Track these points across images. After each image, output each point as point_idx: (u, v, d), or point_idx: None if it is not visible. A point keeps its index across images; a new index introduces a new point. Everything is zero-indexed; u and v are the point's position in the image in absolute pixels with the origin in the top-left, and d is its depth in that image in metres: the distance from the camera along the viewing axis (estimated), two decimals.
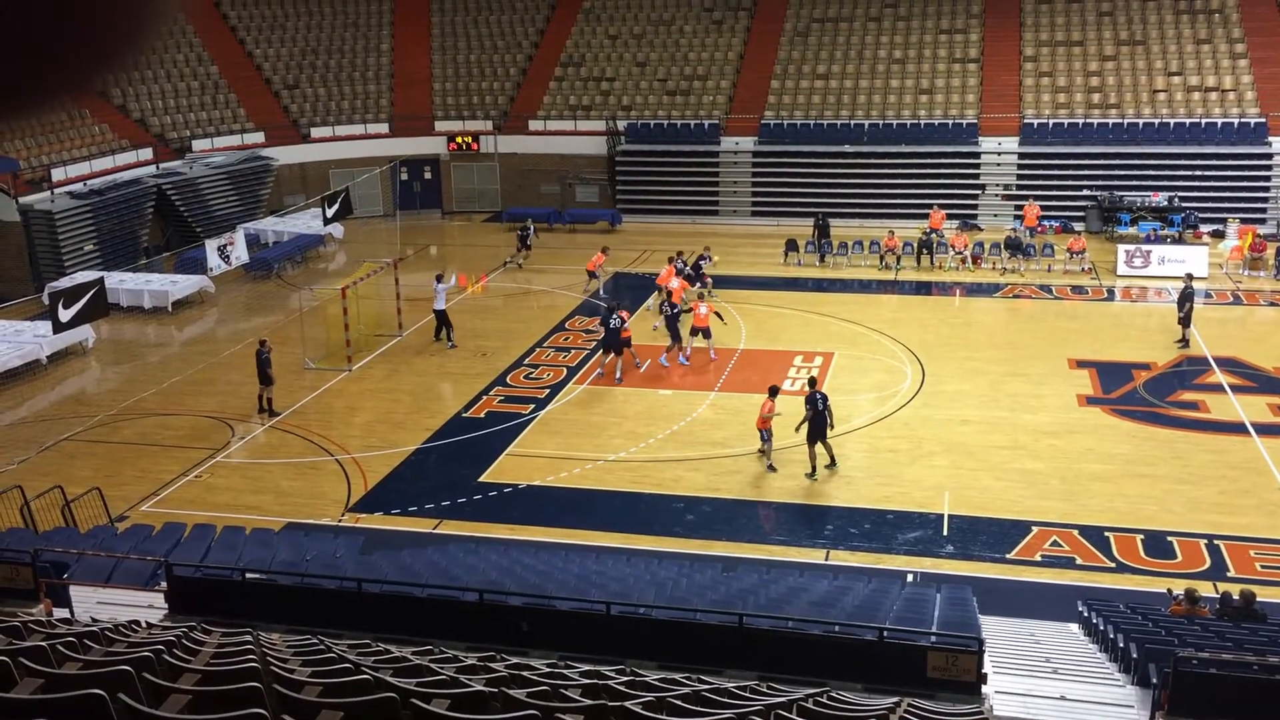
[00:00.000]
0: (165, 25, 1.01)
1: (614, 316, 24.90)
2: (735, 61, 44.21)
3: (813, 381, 21.13)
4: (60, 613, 11.32)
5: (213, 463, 21.38)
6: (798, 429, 19.87)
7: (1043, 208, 37.51)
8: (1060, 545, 17.48)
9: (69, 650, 6.93)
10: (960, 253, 33.98)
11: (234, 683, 6.04)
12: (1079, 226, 37.08)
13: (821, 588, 14.90)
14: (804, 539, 18.12)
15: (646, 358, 26.11)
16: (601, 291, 31.81)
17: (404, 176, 43.11)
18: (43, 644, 6.77)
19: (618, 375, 24.87)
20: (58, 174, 35.16)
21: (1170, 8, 42.06)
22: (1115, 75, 40.61)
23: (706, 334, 25.88)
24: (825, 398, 19.87)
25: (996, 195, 39.64)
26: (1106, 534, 17.74)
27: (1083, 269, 33.17)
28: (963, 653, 10.05)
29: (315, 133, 43.41)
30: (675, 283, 27.72)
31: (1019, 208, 38.20)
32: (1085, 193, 38.10)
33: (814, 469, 19.92)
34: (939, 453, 20.87)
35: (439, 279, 27.49)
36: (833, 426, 19.96)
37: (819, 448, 19.90)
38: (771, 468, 20.26)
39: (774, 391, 20.51)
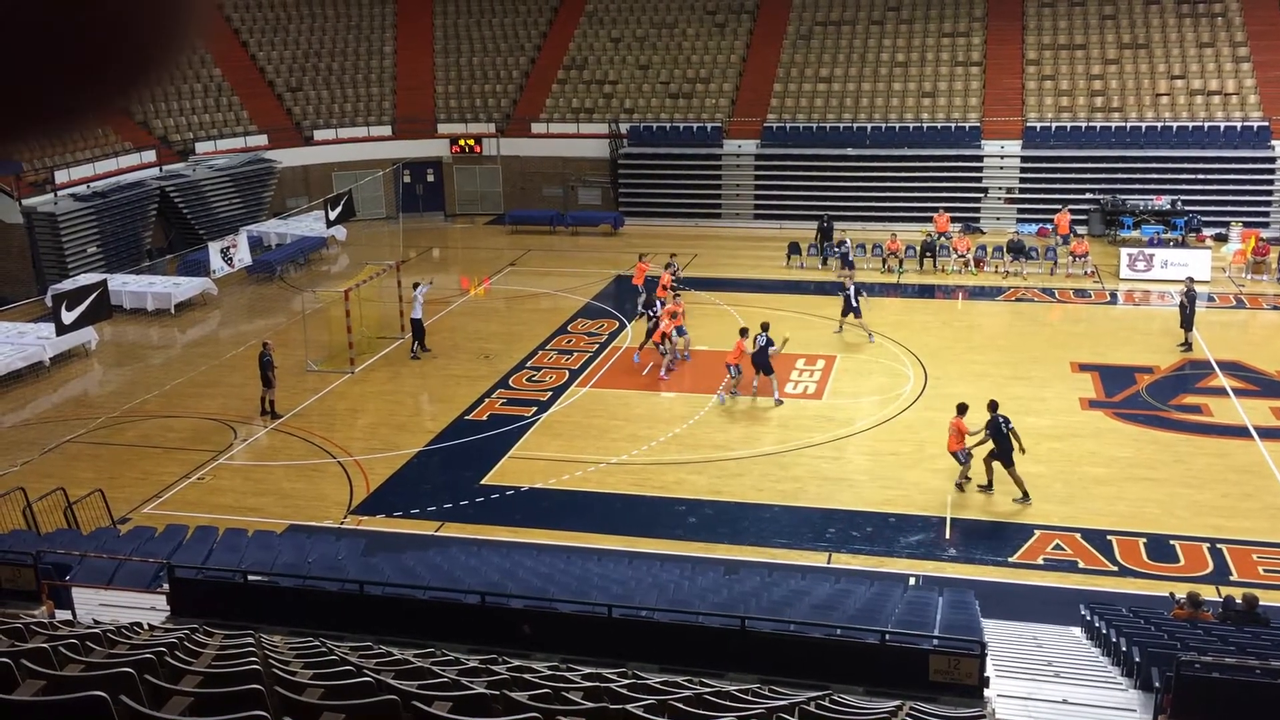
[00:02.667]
0: (193, 44, 1.00)
1: (762, 334, 23.54)
2: (738, 64, 44.22)
3: (994, 405, 19.15)
4: (62, 614, 11.33)
5: (215, 465, 21.39)
6: (979, 443, 19.05)
7: (1045, 211, 37.50)
8: (1063, 549, 17.46)
9: (71, 652, 6.93)
10: (963, 256, 33.97)
11: (236, 685, 6.04)
12: (1082, 230, 37.03)
13: (824, 591, 14.89)
14: (806, 542, 18.11)
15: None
16: (642, 306, 29.18)
17: (407, 179, 43.09)
18: (45, 646, 6.77)
19: (776, 395, 23.46)
20: (61, 176, 35.20)
21: (1173, 11, 42.03)
22: (1118, 78, 40.58)
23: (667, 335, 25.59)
24: (1008, 420, 18.83)
25: (999, 199, 39.63)
26: (1109, 537, 17.72)
27: (1085, 272, 33.14)
28: (965, 656, 10.04)
29: (318, 135, 43.45)
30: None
31: (1021, 214, 38.18)
32: (1088, 196, 38.07)
33: (1024, 492, 18.79)
34: (941, 456, 20.83)
35: (416, 286, 27.32)
36: (1023, 450, 18.84)
37: (997, 469, 19.02)
38: (960, 486, 19.38)
39: (963, 409, 19.38)
